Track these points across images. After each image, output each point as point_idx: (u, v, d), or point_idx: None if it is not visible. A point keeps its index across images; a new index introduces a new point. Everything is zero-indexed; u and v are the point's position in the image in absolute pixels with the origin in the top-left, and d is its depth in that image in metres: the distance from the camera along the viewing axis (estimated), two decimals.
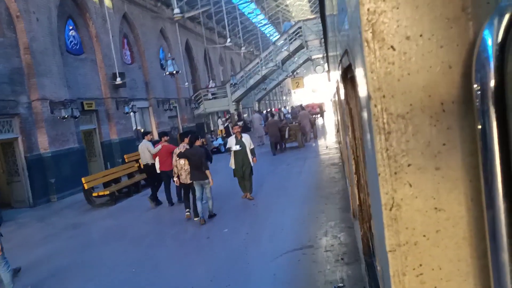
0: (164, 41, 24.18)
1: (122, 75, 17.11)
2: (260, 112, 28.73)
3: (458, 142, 0.88)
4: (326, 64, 35.12)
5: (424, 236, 0.91)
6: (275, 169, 13.07)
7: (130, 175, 13.71)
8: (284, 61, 27.50)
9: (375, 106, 0.91)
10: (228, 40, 21.77)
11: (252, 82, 26.18)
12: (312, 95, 72.76)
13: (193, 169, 7.89)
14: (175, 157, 8.58)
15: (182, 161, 8.43)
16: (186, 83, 22.25)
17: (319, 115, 34.86)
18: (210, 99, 27.35)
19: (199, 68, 29.26)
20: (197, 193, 7.88)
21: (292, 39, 25.24)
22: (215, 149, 20.56)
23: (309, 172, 11.80)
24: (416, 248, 0.92)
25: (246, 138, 8.87)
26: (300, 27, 25.10)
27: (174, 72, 13.73)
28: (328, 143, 18.51)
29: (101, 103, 16.52)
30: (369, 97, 0.92)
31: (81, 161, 14.51)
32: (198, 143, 8.24)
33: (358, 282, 4.37)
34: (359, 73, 1.08)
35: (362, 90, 1.03)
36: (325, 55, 25.47)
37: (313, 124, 21.46)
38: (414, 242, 0.92)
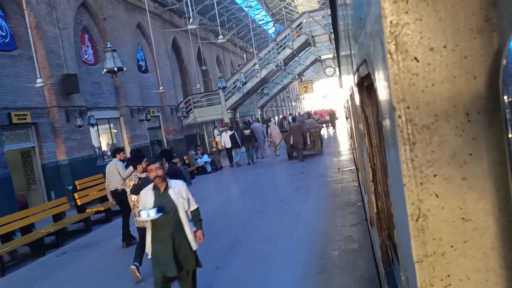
0: (143, 39, 20.41)
1: (73, 78, 13.29)
2: (259, 120, 24.80)
3: (484, 152, 0.88)
4: (337, 68, 31.21)
5: (451, 246, 0.91)
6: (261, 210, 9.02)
7: (81, 209, 9.97)
8: (287, 61, 23.49)
9: (400, 117, 0.92)
10: (221, 36, 17.83)
11: (250, 85, 22.25)
12: (323, 101, 68.60)
13: None
14: (127, 189, 5.92)
15: (134, 197, 5.71)
16: (161, 88, 18.34)
17: (329, 124, 30.58)
18: (202, 107, 23.50)
19: (190, 71, 25.45)
20: None
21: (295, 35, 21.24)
22: (199, 169, 16.63)
23: (310, 225, 7.73)
24: (444, 258, 0.92)
25: (177, 187, 4.09)
26: (299, 24, 21.10)
27: (115, 69, 9.83)
28: (341, 160, 14.39)
29: (44, 114, 12.71)
30: (393, 108, 0.93)
31: (4, 192, 10.67)
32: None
33: None
34: (380, 83, 1.09)
35: (385, 101, 1.04)
36: (335, 56, 23.45)
37: (314, 137, 16.99)
38: (442, 253, 0.92)
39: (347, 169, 12.17)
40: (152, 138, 20.23)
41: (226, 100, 22.63)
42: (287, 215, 7.79)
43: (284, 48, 21.72)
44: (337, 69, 36.02)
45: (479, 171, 0.88)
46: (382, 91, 1.07)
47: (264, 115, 33.92)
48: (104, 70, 10.04)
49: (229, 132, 16.33)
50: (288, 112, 55.74)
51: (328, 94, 69.99)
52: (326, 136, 27.12)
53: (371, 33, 1.15)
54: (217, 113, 22.79)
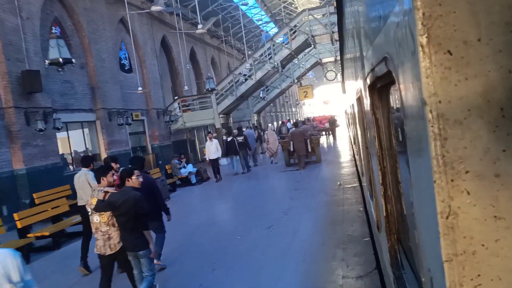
0: (127, 35, 18.67)
1: (36, 74, 11.52)
2: (253, 127, 23.04)
3: None
4: (339, 74, 29.41)
5: (482, 245, 0.89)
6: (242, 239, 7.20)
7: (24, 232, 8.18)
8: (285, 63, 21.74)
9: (431, 111, 0.89)
10: (200, 26, 16.09)
11: (243, 88, 20.49)
12: (324, 107, 66.80)
13: (124, 230, 4.59)
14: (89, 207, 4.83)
15: (96, 218, 4.72)
16: (140, 88, 16.53)
17: (328, 132, 28.67)
18: (194, 110, 21.74)
19: (181, 72, 23.69)
20: (135, 271, 4.71)
21: (294, 33, 19.50)
22: (184, 180, 14.82)
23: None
24: (474, 257, 0.89)
25: None
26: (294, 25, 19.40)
27: (60, 60, 8.00)
28: (342, 173, 12.58)
29: None
30: (424, 103, 0.90)
31: None
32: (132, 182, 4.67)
33: None
34: (407, 79, 1.07)
35: (413, 96, 1.01)
36: (337, 59, 23.13)
37: (314, 144, 16.08)
38: (472, 252, 0.89)
39: (349, 186, 10.36)
40: (134, 144, 18.44)
41: (218, 103, 20.86)
42: (271, 254, 5.95)
43: (282, 48, 19.98)
44: (339, 74, 34.33)
45: None
46: (409, 87, 1.05)
47: (261, 121, 32.13)
48: (47, 61, 8.23)
49: (214, 141, 14.36)
50: (288, 118, 54.05)
51: (329, 100, 68.25)
52: (325, 145, 25.28)
53: (396, 28, 1.11)
54: (208, 117, 21.03)
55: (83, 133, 15.04)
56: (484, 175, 0.87)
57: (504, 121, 0.85)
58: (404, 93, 1.13)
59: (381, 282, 4.19)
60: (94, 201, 4.69)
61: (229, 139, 17.99)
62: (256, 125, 26.41)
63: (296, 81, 26.96)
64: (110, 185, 4.94)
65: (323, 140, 27.08)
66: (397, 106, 1.54)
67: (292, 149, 15.26)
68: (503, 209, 0.87)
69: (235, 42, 34.87)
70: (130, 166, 5.44)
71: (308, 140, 15.51)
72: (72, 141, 14.47)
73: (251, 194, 11.51)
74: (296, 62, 28.58)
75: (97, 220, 4.68)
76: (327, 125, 28.86)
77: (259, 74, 20.17)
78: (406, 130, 1.17)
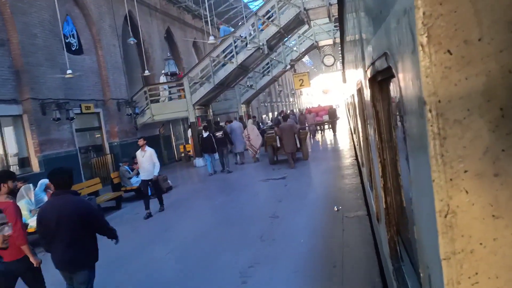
0: (75, 8, 15.03)
1: None
2: (241, 119, 19.52)
3: None
4: (338, 59, 25.69)
5: (480, 244, 0.90)
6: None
7: None
8: (274, 44, 18.13)
9: (430, 111, 0.89)
10: None
11: (222, 74, 16.91)
12: (323, 97, 63.10)
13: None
14: None
15: None
16: (69, 71, 12.67)
17: (327, 126, 24.87)
18: (168, 101, 18.25)
19: (153, 56, 20.07)
20: None
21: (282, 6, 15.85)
22: (137, 191, 11.39)
23: None
24: (472, 256, 0.90)
25: None
26: None
27: None
28: (341, 189, 9.10)
29: None
30: (423, 102, 0.91)
31: None
32: None
33: None
34: (406, 77, 1.07)
35: (412, 95, 1.02)
36: (336, 42, 21.20)
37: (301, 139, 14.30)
38: (470, 250, 0.90)
39: (353, 215, 6.88)
40: (85, 143, 14.92)
41: (192, 93, 17.31)
42: None
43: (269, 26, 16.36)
44: (337, 59, 30.67)
45: None
46: (408, 85, 1.05)
47: (251, 112, 28.54)
48: None
49: (148, 151, 9.75)
50: (285, 109, 50.49)
51: (328, 89, 64.58)
52: (322, 142, 21.71)
53: (396, 25, 1.11)
54: (181, 109, 17.47)
55: (1, 132, 11.47)
56: (483, 175, 0.88)
57: (504, 121, 0.86)
58: (404, 90, 1.13)
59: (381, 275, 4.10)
60: None
61: (205, 134, 14.86)
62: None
63: (288, 66, 23.30)
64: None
65: (319, 136, 23.48)
66: (397, 100, 1.45)
67: (278, 146, 13.74)
68: (502, 208, 0.88)
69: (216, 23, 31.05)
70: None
71: (296, 135, 13.85)
72: None
73: (215, 218, 8.07)
74: (290, 45, 24.98)
75: None
76: (325, 117, 24.92)
77: (241, 57, 16.58)
78: (406, 128, 1.17)
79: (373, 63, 1.76)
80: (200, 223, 7.88)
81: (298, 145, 14.10)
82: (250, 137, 16.35)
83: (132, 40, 13.35)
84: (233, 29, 17.79)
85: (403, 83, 1.12)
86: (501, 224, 0.88)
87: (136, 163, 11.80)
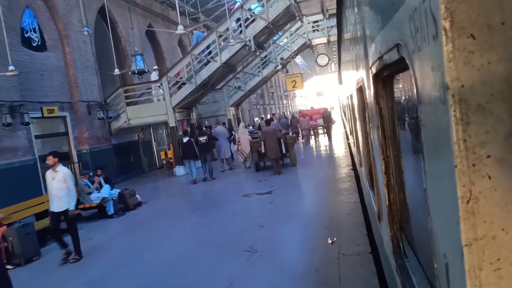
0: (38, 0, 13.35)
1: None
2: (224, 123, 17.89)
3: None
4: (332, 58, 24.87)
5: (503, 230, 0.88)
6: None
7: None
8: (262, 41, 16.55)
9: (453, 96, 0.88)
10: None
11: (205, 74, 15.29)
12: (318, 100, 61.52)
13: None
14: None
15: None
16: (11, 68, 10.85)
17: (322, 130, 23.02)
18: (158, 101, 16.63)
19: (130, 53, 18.40)
20: None
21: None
22: (99, 209, 9.77)
23: None
24: (494, 242, 0.89)
25: None
26: None
27: None
28: (336, 209, 7.51)
29: None
30: (446, 87, 0.90)
31: None
32: None
33: None
34: (426, 65, 1.05)
35: (434, 81, 1.00)
36: (329, 39, 20.97)
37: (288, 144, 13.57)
38: (492, 236, 0.89)
39: (353, 252, 5.27)
40: (46, 151, 13.14)
41: (172, 94, 15.67)
42: None
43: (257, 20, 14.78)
44: (331, 58, 29.08)
45: None
46: (428, 72, 1.03)
47: (240, 115, 26.91)
48: None
49: (61, 171, 6.95)
50: (278, 111, 48.92)
51: (323, 92, 63.08)
52: (315, 148, 20.09)
53: (413, 13, 1.10)
54: (160, 112, 15.82)
55: None
56: (505, 160, 0.87)
57: None
58: (420, 79, 1.13)
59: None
60: None
61: (185, 140, 13.39)
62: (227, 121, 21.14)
63: (279, 66, 21.71)
64: None
65: (313, 142, 21.78)
66: (407, 92, 1.49)
67: (263, 151, 12.89)
68: None
69: (211, 23, 29.46)
70: None
71: (282, 140, 13.20)
72: None
73: (187, 248, 6.42)
74: (281, 44, 23.43)
75: None
76: (320, 121, 23.00)
77: (225, 55, 14.97)
78: (422, 117, 1.16)
79: (380, 57, 1.74)
80: (154, 259, 6.22)
81: (284, 151, 13.32)
82: (241, 141, 15.02)
83: (86, 30, 11.63)
84: (205, 34, 16.20)
85: (420, 72, 1.12)
86: None
87: (99, 174, 10.18)
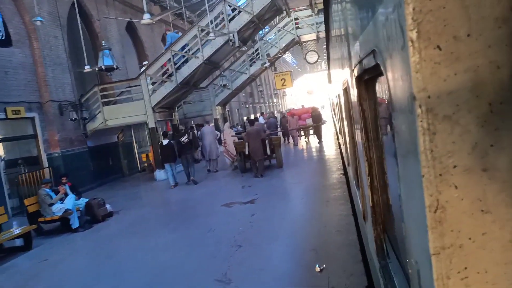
0: None
1: None
2: (207, 122, 16.85)
3: (506, 143, 0.87)
4: (321, 54, 24.47)
5: (469, 238, 0.90)
6: None
7: None
8: (247, 36, 15.58)
9: (420, 106, 0.90)
10: None
11: (186, 71, 14.28)
12: (309, 98, 60.75)
13: None
14: None
15: None
16: None
17: (312, 130, 21.86)
18: (120, 103, 15.58)
19: (113, 54, 17.32)
20: None
21: None
22: (62, 222, 8.77)
23: None
24: (461, 250, 0.91)
25: None
26: None
27: None
28: (327, 225, 6.60)
29: None
30: (413, 98, 0.91)
31: None
32: None
33: None
34: (396, 73, 1.07)
35: (402, 91, 1.01)
36: (319, 35, 20.18)
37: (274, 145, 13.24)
38: (459, 245, 0.91)
39: (346, 285, 4.35)
40: (11, 155, 12.16)
41: (151, 93, 14.65)
42: None
43: (240, 12, 13.83)
44: (321, 55, 28.22)
45: (500, 163, 0.87)
46: (398, 81, 1.04)
47: (227, 115, 25.92)
48: None
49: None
50: (268, 110, 47.99)
51: (313, 90, 62.31)
52: (304, 150, 19.16)
53: (385, 22, 1.11)
54: (138, 113, 14.79)
55: None
56: (472, 170, 0.88)
57: (492, 116, 0.86)
58: (393, 87, 1.12)
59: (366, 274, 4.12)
60: None
61: (165, 142, 12.49)
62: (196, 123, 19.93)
63: (267, 63, 20.77)
64: None
65: (303, 144, 20.75)
66: (385, 98, 1.47)
67: (247, 152, 12.35)
68: (490, 203, 0.88)
69: (187, 14, 28.34)
70: None
71: (267, 141, 12.75)
72: None
73: (149, 275, 5.45)
74: (269, 40, 22.49)
75: None
76: (309, 121, 21.76)
77: (207, 51, 13.99)
78: (395, 124, 1.16)
79: (360, 61, 1.75)
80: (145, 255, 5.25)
81: (268, 152, 12.86)
82: (227, 142, 14.23)
83: (38, 20, 10.51)
84: (179, 35, 15.18)
85: (392, 80, 1.12)
86: (489, 219, 0.88)
87: (64, 182, 9.17)
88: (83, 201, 9.23)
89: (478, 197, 0.88)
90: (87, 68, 11.30)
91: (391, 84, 1.12)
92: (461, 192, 0.88)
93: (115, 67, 11.04)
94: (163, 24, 23.86)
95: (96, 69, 11.09)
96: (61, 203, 8.75)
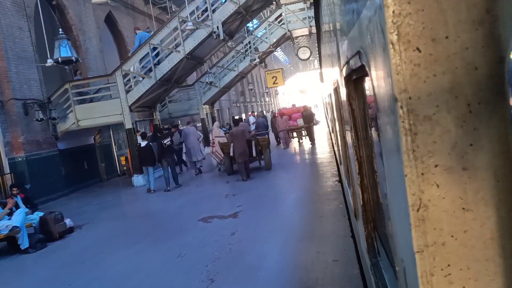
0: None
1: None
2: (189, 122, 15.57)
3: (484, 142, 0.87)
4: (313, 50, 23.34)
5: (452, 236, 0.91)
6: None
7: None
8: (233, 28, 14.31)
9: (401, 107, 0.91)
10: None
11: (167, 67, 12.98)
12: (301, 97, 59.57)
13: None
14: None
15: None
16: None
17: (302, 131, 20.43)
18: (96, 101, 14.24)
19: (86, 45, 16.00)
20: None
21: None
22: (4, 240, 7.43)
23: None
24: (444, 248, 0.91)
25: None
26: None
27: None
28: (321, 250, 5.38)
29: None
30: (395, 99, 0.92)
31: None
32: None
33: None
34: (378, 75, 1.09)
35: (384, 92, 1.03)
36: (311, 30, 19.88)
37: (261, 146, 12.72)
38: (442, 243, 0.91)
39: None
40: None
41: (127, 91, 13.34)
42: None
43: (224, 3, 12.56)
44: (314, 51, 27.00)
45: (479, 162, 0.88)
46: (381, 82, 1.06)
47: (215, 114, 24.63)
48: None
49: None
50: (259, 109, 46.77)
51: (306, 89, 61.16)
52: (295, 153, 17.90)
53: (368, 24, 1.12)
54: (114, 112, 13.47)
55: None
56: (452, 169, 0.89)
57: (471, 116, 0.87)
58: (377, 88, 1.14)
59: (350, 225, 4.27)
60: None
61: (143, 144, 11.28)
62: (174, 124, 18.54)
63: (257, 60, 19.51)
64: None
65: (295, 146, 19.42)
66: (372, 97, 1.45)
67: (232, 154, 11.85)
68: (470, 201, 0.89)
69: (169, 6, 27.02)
70: None
71: (254, 142, 12.26)
72: None
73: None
74: (258, 35, 21.24)
75: None
76: (300, 121, 20.26)
77: (189, 44, 12.70)
78: (380, 124, 1.17)
79: (347, 62, 1.75)
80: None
81: (254, 154, 12.37)
82: (215, 142, 13.17)
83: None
84: (150, 34, 13.82)
85: (376, 81, 1.14)
86: (470, 216, 0.89)
87: (15, 194, 7.85)
88: (37, 215, 7.92)
89: (459, 195, 0.88)
90: (49, 62, 10.00)
91: (375, 84, 1.14)
92: (443, 191, 0.89)
93: (74, 60, 9.69)
94: (146, 18, 22.49)
95: (53, 61, 9.72)
96: (9, 219, 7.44)
